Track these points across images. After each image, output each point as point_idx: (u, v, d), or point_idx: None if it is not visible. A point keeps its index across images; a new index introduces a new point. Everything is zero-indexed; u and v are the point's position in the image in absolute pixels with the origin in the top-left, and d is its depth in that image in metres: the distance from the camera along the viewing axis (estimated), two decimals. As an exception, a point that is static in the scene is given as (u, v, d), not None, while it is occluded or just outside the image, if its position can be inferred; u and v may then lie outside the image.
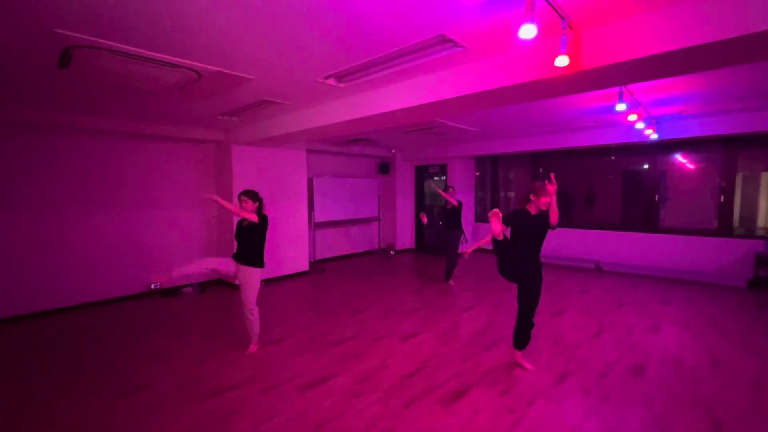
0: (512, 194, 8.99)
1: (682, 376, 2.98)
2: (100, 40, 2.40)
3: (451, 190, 5.90)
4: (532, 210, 3.04)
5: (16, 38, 2.36)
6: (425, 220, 6.04)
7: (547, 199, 2.96)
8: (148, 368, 3.28)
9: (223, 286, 6.11)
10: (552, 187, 2.91)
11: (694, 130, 5.47)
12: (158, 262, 5.69)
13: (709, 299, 5.05)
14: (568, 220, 7.78)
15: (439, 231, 6.12)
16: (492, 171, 9.12)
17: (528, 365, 3.14)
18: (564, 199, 7.96)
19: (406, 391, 2.84)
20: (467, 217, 8.87)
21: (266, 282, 6.24)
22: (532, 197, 3.04)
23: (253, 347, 3.59)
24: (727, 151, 6.01)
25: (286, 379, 3.04)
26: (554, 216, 2.96)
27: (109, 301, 5.27)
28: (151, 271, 5.57)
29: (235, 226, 3.68)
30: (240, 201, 3.47)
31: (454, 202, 5.84)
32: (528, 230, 3.05)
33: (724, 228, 6.03)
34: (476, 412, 2.55)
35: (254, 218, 3.40)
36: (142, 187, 5.55)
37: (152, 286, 5.61)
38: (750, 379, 2.93)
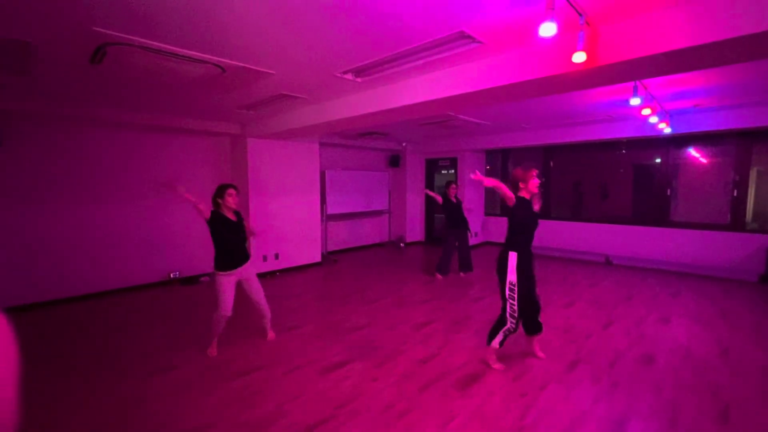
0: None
1: (691, 365, 3.06)
2: (134, 37, 2.51)
3: (453, 186, 5.92)
4: (526, 196, 2.96)
5: (55, 35, 2.48)
6: (434, 195, 5.97)
7: (537, 182, 2.92)
8: (173, 351, 3.44)
9: (238, 276, 6.26)
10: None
11: (708, 123, 5.45)
12: (177, 252, 5.87)
13: (720, 293, 5.08)
14: (577, 213, 7.80)
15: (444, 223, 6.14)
16: (502, 165, 9.14)
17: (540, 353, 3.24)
18: (574, 192, 7.97)
19: (420, 375, 2.96)
20: (476, 212, 8.93)
21: (280, 272, 6.41)
22: (521, 185, 2.93)
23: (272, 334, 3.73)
24: (741, 145, 5.97)
25: (306, 363, 3.18)
26: (539, 203, 3.10)
27: (130, 288, 5.46)
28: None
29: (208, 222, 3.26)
30: (230, 195, 3.25)
31: (453, 198, 5.88)
32: (534, 219, 2.97)
33: (736, 222, 6.02)
34: (490, 395, 2.66)
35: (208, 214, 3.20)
36: (160, 178, 5.70)
37: (171, 275, 5.80)
38: (759, 368, 3.00)
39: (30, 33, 2.44)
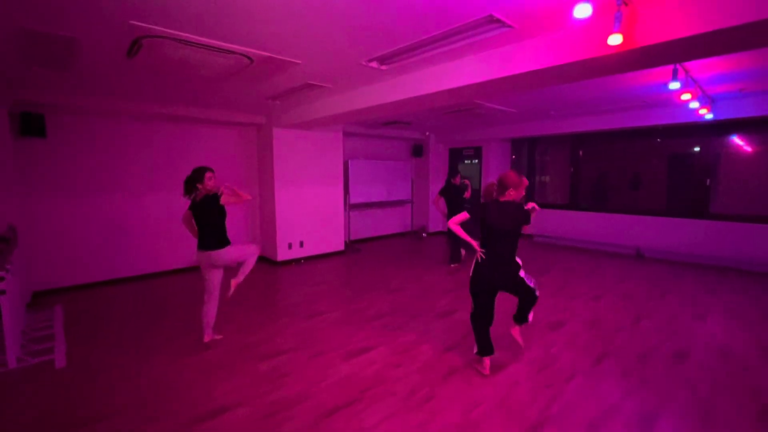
0: (547, 179, 8.77)
1: (728, 365, 2.93)
2: (168, 30, 2.58)
3: (459, 176, 5.98)
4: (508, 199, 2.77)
5: (95, 30, 2.59)
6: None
7: (524, 193, 2.79)
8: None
9: (265, 262, 6.45)
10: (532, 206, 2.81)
11: (754, 109, 5.09)
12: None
13: (762, 289, 4.81)
14: (607, 204, 7.52)
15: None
16: (529, 154, 8.90)
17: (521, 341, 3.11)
18: (604, 183, 7.68)
19: (444, 363, 2.97)
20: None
21: (305, 260, 6.54)
22: (511, 191, 2.73)
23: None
24: (791, 133, 5.56)
25: (331, 348, 3.26)
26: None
27: (162, 273, 5.73)
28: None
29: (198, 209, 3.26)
30: (209, 180, 3.22)
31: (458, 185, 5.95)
32: (503, 225, 2.76)
33: (783, 215, 5.65)
34: (515, 384, 2.65)
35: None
36: (190, 169, 5.88)
37: (202, 261, 6.02)
38: (803, 370, 2.84)
39: (73, 28, 2.55)
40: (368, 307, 4.27)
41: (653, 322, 3.76)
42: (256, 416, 2.36)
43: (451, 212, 5.92)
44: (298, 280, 5.46)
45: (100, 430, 2.26)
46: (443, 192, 5.97)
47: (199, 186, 3.20)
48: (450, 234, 6.02)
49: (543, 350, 3.17)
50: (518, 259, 2.85)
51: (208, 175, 3.20)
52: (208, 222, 3.22)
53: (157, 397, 2.58)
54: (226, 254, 3.27)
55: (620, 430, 2.18)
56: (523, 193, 2.82)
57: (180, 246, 5.82)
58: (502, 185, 2.75)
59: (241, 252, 3.39)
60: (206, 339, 3.32)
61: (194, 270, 5.92)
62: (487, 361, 2.83)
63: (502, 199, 2.75)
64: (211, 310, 3.34)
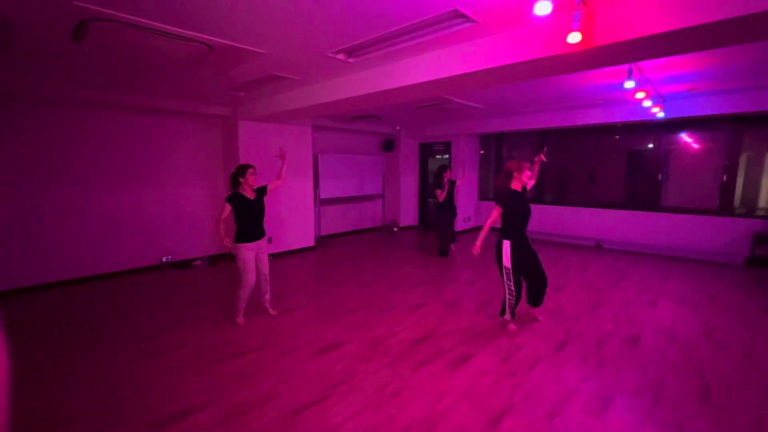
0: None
1: (676, 346, 3.15)
2: (117, 13, 2.41)
3: (448, 171, 6.08)
4: (518, 187, 3.16)
5: (33, 9, 2.37)
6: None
7: (528, 172, 3.17)
8: (167, 334, 3.45)
9: (231, 260, 6.25)
10: (540, 158, 3.17)
11: (701, 108, 5.44)
12: (169, 236, 5.82)
13: (707, 276, 5.19)
14: (570, 198, 7.85)
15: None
16: (496, 149, 9.11)
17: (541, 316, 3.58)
18: (567, 178, 8.00)
19: (414, 356, 3.00)
20: (470, 196, 8.95)
21: (274, 256, 6.40)
22: (515, 175, 3.16)
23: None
24: (733, 131, 6.00)
25: (300, 345, 3.21)
26: (533, 181, 3.39)
27: (122, 273, 5.43)
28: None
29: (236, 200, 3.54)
30: (252, 175, 3.56)
31: (446, 183, 6.09)
32: (526, 210, 3.20)
33: (725, 207, 6.11)
34: (481, 374, 2.72)
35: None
36: (150, 161, 5.61)
37: (163, 259, 5.76)
38: (740, 349, 3.09)
39: (8, 5, 2.33)
40: (339, 302, 4.24)
41: (610, 308, 3.97)
42: (222, 418, 2.29)
43: (448, 205, 6.04)
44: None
45: (48, 442, 2.12)
46: (441, 188, 6.07)
47: (242, 180, 3.50)
48: (441, 227, 6.15)
49: (508, 339, 3.27)
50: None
51: (250, 171, 3.52)
52: (260, 214, 3.61)
53: (115, 402, 2.45)
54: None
55: (579, 413, 2.29)
56: (528, 174, 3.22)
57: (140, 244, 5.54)
58: (507, 173, 3.18)
59: None
60: (273, 312, 3.86)
61: (150, 270, 5.67)
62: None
63: (513, 187, 3.16)
64: (267, 290, 3.81)
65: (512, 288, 3.28)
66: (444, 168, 6.06)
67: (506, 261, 3.23)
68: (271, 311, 3.88)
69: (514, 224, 3.23)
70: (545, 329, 3.46)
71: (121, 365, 2.92)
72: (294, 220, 6.74)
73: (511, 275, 3.25)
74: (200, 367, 2.88)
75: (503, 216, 3.24)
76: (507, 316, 3.40)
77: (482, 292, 4.52)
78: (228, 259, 6.34)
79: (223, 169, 6.37)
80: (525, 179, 3.19)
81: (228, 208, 3.46)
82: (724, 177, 6.10)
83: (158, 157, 5.66)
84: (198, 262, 5.98)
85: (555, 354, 3.02)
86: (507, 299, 3.33)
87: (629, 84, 3.70)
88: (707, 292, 4.50)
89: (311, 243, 7.11)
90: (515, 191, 3.20)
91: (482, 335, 3.36)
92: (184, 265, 5.87)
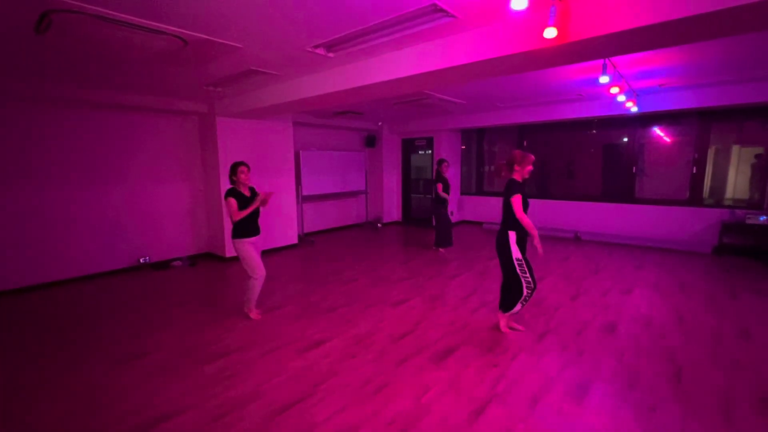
0: (494, 168, 9.13)
1: (650, 332, 3.27)
2: (82, 4, 2.30)
3: (445, 164, 6.08)
4: (519, 179, 3.17)
5: (-10, 0, 2.25)
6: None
7: (531, 167, 3.12)
8: (147, 337, 3.36)
9: (212, 260, 6.14)
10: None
11: (672, 103, 5.64)
12: (146, 237, 5.66)
13: (678, 264, 5.40)
14: (549, 192, 8.02)
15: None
16: (477, 144, 9.21)
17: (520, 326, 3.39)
18: (547, 171, 8.16)
19: (398, 351, 3.02)
20: (453, 190, 9.01)
21: (256, 255, 6.30)
22: (516, 167, 3.14)
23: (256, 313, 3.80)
24: (701, 124, 6.24)
25: (284, 344, 3.18)
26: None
27: (97, 275, 5.25)
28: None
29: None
30: (242, 173, 3.55)
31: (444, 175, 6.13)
32: (526, 201, 3.15)
33: (694, 198, 6.36)
34: (464, 367, 2.76)
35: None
36: (126, 160, 5.42)
37: (141, 260, 5.60)
38: (709, 333, 3.23)
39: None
40: (322, 299, 4.22)
41: (588, 298, 4.08)
42: (203, 420, 2.24)
43: (440, 199, 6.08)
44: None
45: (19, 453, 2.03)
46: (442, 181, 6.06)
47: (234, 178, 3.56)
48: (438, 219, 6.16)
49: (491, 332, 3.32)
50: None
51: (241, 168, 3.55)
52: (256, 210, 3.63)
53: (91, 408, 2.37)
54: None
55: (559, 400, 2.35)
56: (530, 168, 3.13)
57: (115, 245, 5.36)
58: (510, 163, 3.14)
59: None
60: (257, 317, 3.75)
61: (127, 272, 5.50)
62: None
63: (513, 176, 3.11)
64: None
65: (529, 279, 3.12)
66: (443, 161, 6.09)
67: (516, 252, 3.13)
68: (256, 314, 3.79)
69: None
70: (526, 320, 3.53)
71: (103, 369, 2.83)
72: (276, 217, 6.65)
73: (524, 266, 3.12)
74: (183, 369, 2.81)
75: (506, 207, 3.16)
76: (516, 309, 3.21)
77: (464, 286, 4.57)
78: (207, 258, 6.21)
79: (202, 168, 6.22)
80: (526, 173, 3.11)
81: (233, 201, 3.45)
82: (694, 169, 6.34)
83: (131, 154, 5.47)
84: (177, 263, 5.83)
85: (536, 344, 3.09)
86: (524, 292, 3.13)
87: (604, 79, 3.79)
88: (678, 280, 4.68)
89: (294, 240, 7.04)
90: (520, 182, 3.13)
91: (465, 328, 3.40)
92: (163, 266, 5.72)
